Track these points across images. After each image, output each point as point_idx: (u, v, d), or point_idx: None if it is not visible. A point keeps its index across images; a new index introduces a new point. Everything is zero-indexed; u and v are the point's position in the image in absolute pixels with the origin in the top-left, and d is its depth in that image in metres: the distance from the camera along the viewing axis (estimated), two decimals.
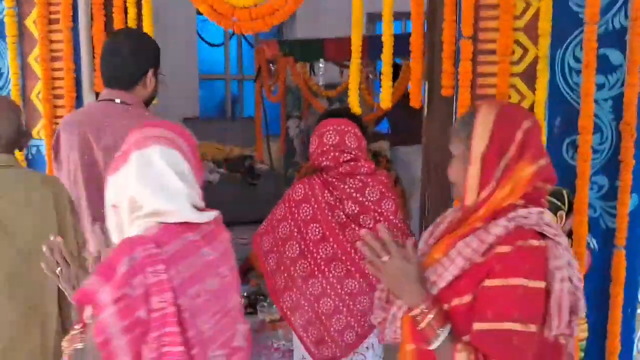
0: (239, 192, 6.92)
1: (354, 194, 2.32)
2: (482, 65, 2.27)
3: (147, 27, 2.63)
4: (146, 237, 1.35)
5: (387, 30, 2.40)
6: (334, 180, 2.35)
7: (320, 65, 4.69)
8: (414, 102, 2.39)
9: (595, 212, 2.26)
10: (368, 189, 2.34)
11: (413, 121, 5.48)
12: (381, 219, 2.33)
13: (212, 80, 8.24)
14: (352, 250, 2.32)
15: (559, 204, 2.27)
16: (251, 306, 4.56)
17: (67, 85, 2.68)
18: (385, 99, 2.42)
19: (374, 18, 7.95)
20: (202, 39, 7.70)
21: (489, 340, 1.34)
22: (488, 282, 1.35)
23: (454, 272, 1.39)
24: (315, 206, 2.33)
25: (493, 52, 2.25)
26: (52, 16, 2.70)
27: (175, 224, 1.41)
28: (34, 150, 2.82)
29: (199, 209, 1.48)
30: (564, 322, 1.35)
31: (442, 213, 1.64)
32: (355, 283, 2.33)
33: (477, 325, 1.35)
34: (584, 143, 2.16)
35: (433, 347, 1.38)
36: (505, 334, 1.33)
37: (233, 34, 7.86)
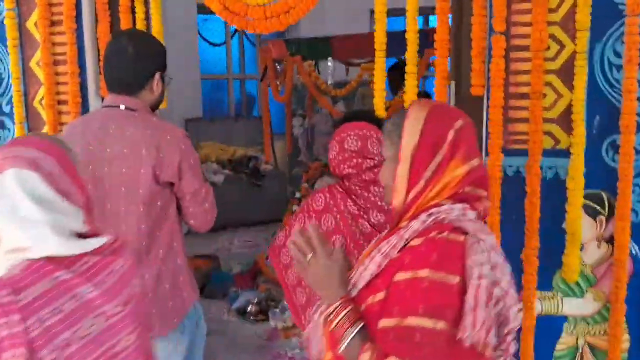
0: (244, 193, 6.80)
1: (379, 202, 2.19)
2: (514, 62, 2.14)
3: (155, 27, 2.49)
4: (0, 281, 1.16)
5: (411, 26, 2.26)
6: (357, 188, 2.21)
7: (329, 64, 4.56)
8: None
9: (637, 217, 2.12)
10: None
11: None
12: None
13: (214, 80, 8.11)
14: None
15: (598, 208, 2.14)
16: (262, 312, 4.44)
17: (71, 90, 2.54)
18: (410, 100, 2.28)
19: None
20: (204, 38, 7.56)
21: (390, 337, 1.22)
22: (397, 277, 1.25)
23: (371, 270, 1.32)
24: (338, 216, 2.20)
25: (526, 48, 2.11)
26: (55, 18, 2.56)
27: (42, 259, 1.20)
28: None
29: (85, 236, 1.27)
30: (480, 323, 1.19)
31: None
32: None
33: (382, 322, 1.24)
34: (626, 143, 2.02)
35: (341, 349, 1.29)
36: (408, 330, 1.20)
37: (234, 33, 7.73)
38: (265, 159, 7.23)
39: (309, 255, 1.41)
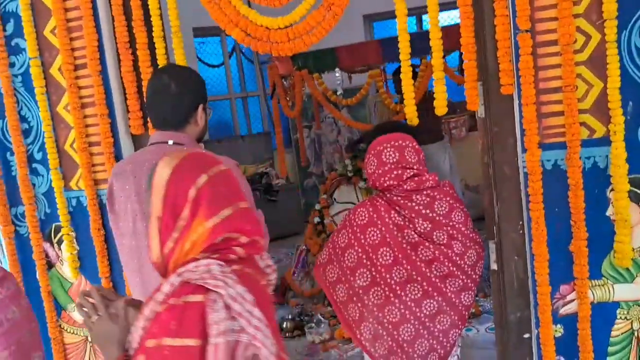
0: (260, 209, 6.81)
1: (424, 211, 2.21)
2: (541, 57, 2.16)
3: (179, 61, 2.51)
4: None
5: (434, 29, 2.28)
6: (399, 199, 2.23)
7: (337, 74, 4.59)
8: (472, 106, 2.28)
9: None
10: (437, 202, 2.23)
11: (431, 120, 5.41)
12: (454, 232, 2.23)
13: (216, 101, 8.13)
14: (427, 270, 2.21)
15: (639, 192, 2.16)
16: (298, 328, 4.46)
17: (102, 131, 2.56)
18: (441, 105, 2.30)
19: (370, 19, 7.86)
20: (202, 61, 7.60)
21: None
22: (147, 343, 1.27)
23: (138, 333, 1.31)
24: (383, 229, 2.22)
25: (553, 42, 2.13)
26: (78, 62, 2.59)
27: None
28: (74, 202, 2.70)
29: None
30: None
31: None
32: (434, 303, 2.22)
33: None
34: None
35: None
36: None
37: (232, 53, 7.77)
38: (275, 174, 7.26)
39: (94, 317, 1.45)
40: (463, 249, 2.23)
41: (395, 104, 4.60)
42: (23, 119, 2.70)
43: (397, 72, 4.98)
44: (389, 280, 2.21)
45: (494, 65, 2.24)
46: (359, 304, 2.27)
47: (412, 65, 5.11)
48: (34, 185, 2.74)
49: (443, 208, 2.23)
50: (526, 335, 2.38)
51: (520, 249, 2.33)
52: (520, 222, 2.31)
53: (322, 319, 4.41)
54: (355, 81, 5.61)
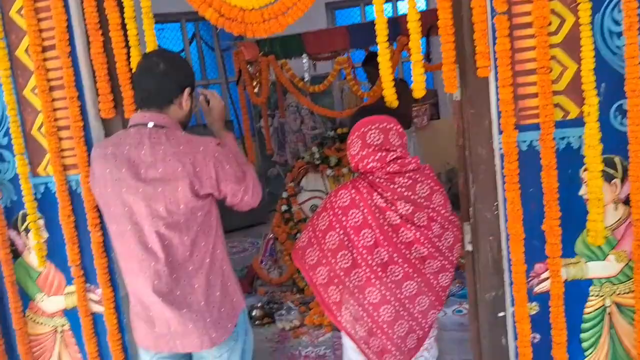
0: None
1: (406, 193, 2.22)
2: (518, 40, 2.19)
3: (150, 44, 2.46)
4: None
5: (412, 11, 2.28)
6: (381, 181, 2.23)
7: (304, 60, 4.56)
8: (450, 88, 2.29)
9: None
10: (418, 185, 2.24)
11: (400, 107, 5.44)
12: (434, 214, 2.24)
13: None
14: (407, 252, 2.23)
15: (612, 172, 2.22)
16: (267, 316, 4.44)
17: (72, 114, 2.48)
18: (419, 88, 2.31)
19: (333, 7, 7.85)
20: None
21: None
22: None
23: None
24: (365, 211, 2.22)
25: (528, 25, 2.17)
26: (45, 43, 2.50)
27: None
28: (42, 188, 2.62)
29: None
30: None
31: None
32: (414, 284, 2.24)
33: None
34: (634, 107, 2.09)
35: None
36: None
37: (192, 39, 7.64)
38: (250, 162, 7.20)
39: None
40: (441, 231, 2.25)
41: (363, 91, 4.61)
42: None
43: (369, 60, 4.98)
44: (370, 261, 2.22)
45: (471, 48, 2.26)
46: (340, 286, 2.26)
47: (376, 54, 5.14)
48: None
49: (424, 191, 2.24)
50: (501, 314, 2.42)
51: (495, 229, 2.37)
52: (495, 203, 2.35)
53: (292, 306, 4.41)
54: (320, 69, 5.60)
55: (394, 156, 2.24)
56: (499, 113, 2.23)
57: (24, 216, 2.65)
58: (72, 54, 2.48)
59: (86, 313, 2.64)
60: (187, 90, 2.11)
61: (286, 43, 4.56)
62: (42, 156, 2.60)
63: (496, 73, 2.21)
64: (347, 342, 2.36)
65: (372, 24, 4.63)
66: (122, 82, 2.49)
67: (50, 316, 2.73)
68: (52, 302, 2.71)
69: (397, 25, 4.45)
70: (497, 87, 2.21)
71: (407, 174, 2.24)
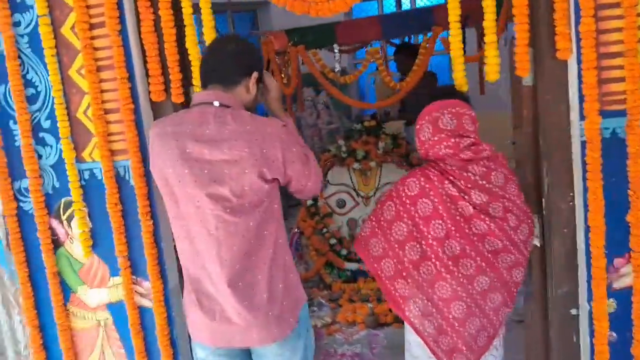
0: None
1: (480, 181, 2.09)
2: (602, 21, 2.07)
3: (206, 24, 2.32)
4: None
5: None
6: (453, 168, 2.11)
7: (335, 51, 4.44)
8: (522, 72, 2.17)
9: None
10: (493, 173, 2.11)
11: (427, 100, 5.31)
12: (509, 204, 2.12)
13: None
14: (480, 244, 2.10)
15: None
16: None
17: (122, 96, 2.35)
18: (492, 72, 2.19)
19: None
20: None
21: None
22: None
23: None
24: (436, 200, 2.09)
25: (615, 5, 2.05)
26: (93, 20, 2.36)
27: None
28: (87, 174, 2.48)
29: None
30: None
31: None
32: (487, 279, 2.12)
33: None
34: None
35: None
36: None
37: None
38: None
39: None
40: (517, 222, 2.13)
41: (395, 82, 4.48)
42: (29, 83, 2.45)
43: (400, 50, 4.86)
44: (440, 254, 2.10)
45: (547, 29, 2.14)
46: (409, 280, 2.14)
47: (410, 44, 5.00)
48: (40, 156, 2.50)
49: (499, 179, 2.12)
50: (573, 311, 2.30)
51: (570, 221, 2.25)
52: (571, 194, 2.23)
53: (323, 302, 4.28)
54: (344, 60, 5.47)
55: (468, 142, 2.11)
56: (580, 98, 2.11)
57: (67, 204, 2.52)
58: (122, 33, 2.34)
59: (133, 306, 2.51)
60: (255, 74, 2.00)
61: (317, 33, 4.43)
62: (88, 141, 2.46)
63: (578, 55, 2.09)
64: (411, 337, 2.24)
65: (405, 14, 4.52)
66: (171, 64, 2.36)
67: (93, 310, 2.59)
68: (95, 295, 2.58)
69: (431, 14, 4.33)
70: (579, 71, 2.09)
71: (481, 162, 2.12)
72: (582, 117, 2.12)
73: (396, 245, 2.15)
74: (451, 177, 2.11)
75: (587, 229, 2.18)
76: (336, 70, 4.58)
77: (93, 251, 2.53)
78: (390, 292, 2.19)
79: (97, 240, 2.52)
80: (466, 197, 2.09)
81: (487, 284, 2.12)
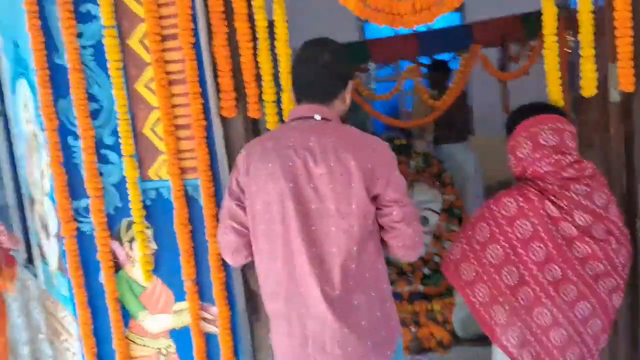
0: None
1: (583, 202, 1.99)
2: None
3: (280, 36, 2.22)
4: None
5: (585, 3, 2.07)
6: (555, 187, 2.00)
7: (370, 68, 4.37)
8: (626, 86, 2.09)
9: None
10: (595, 193, 2.01)
11: (460, 118, 5.26)
12: (611, 226, 2.01)
13: None
14: (581, 268, 2.00)
15: None
16: None
17: (194, 112, 2.24)
18: (589, 87, 2.11)
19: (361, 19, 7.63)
20: None
21: None
22: None
23: None
24: (535, 221, 1.98)
25: None
26: (164, 32, 2.25)
27: None
28: (152, 194, 2.35)
29: None
30: None
31: None
32: (588, 305, 2.00)
33: None
34: None
35: None
36: None
37: None
38: None
39: None
40: (618, 245, 2.03)
41: (433, 99, 4.43)
42: (91, 97, 2.33)
43: (435, 68, 4.80)
44: (540, 279, 1.99)
45: None
46: (506, 306, 2.03)
47: (444, 62, 4.92)
48: (101, 174, 2.38)
49: (602, 200, 2.02)
50: None
51: None
52: None
53: None
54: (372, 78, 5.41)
55: (570, 159, 2.02)
56: None
57: (129, 225, 2.39)
58: (195, 46, 2.24)
59: (199, 333, 2.37)
60: (350, 84, 1.90)
61: (351, 50, 4.35)
62: (154, 158, 2.34)
63: None
64: (500, 358, 2.12)
65: (442, 31, 4.43)
66: (247, 78, 2.25)
67: (154, 337, 2.45)
68: (157, 321, 2.44)
69: (470, 33, 4.28)
70: None
71: (583, 181, 2.02)
72: None
73: (491, 269, 2.04)
74: (552, 197, 2.00)
75: None
76: (370, 87, 4.53)
77: (156, 275, 2.40)
78: (485, 319, 2.07)
79: (161, 263, 2.40)
80: (569, 218, 1.99)
81: (588, 310, 2.01)
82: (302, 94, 1.87)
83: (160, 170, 2.33)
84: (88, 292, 2.43)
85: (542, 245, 1.99)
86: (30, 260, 3.30)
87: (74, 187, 2.40)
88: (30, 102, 2.54)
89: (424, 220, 4.72)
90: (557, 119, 2.05)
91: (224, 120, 2.31)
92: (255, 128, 2.40)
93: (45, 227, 2.71)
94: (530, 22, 4.21)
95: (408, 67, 4.45)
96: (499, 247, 2.03)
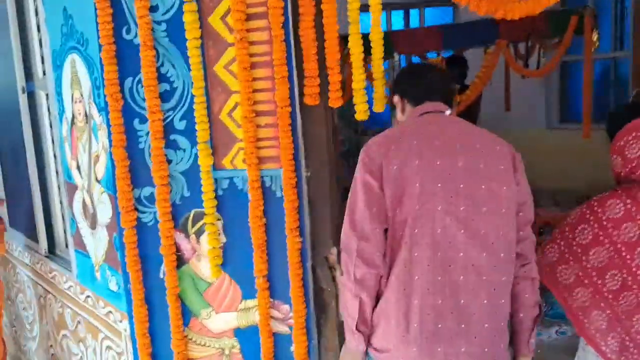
0: None
1: None
2: None
3: (375, 22, 2.10)
4: None
5: None
6: None
7: (395, 60, 4.27)
8: None
9: None
10: None
11: (473, 112, 5.22)
12: None
13: None
14: None
15: None
16: None
17: (280, 97, 2.08)
18: None
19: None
20: None
21: None
22: None
23: None
24: None
25: None
26: (249, 10, 2.09)
27: None
28: (225, 184, 2.20)
29: None
30: None
31: None
32: None
33: None
34: None
35: None
36: None
37: None
38: None
39: None
40: None
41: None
42: (163, 78, 2.15)
43: (453, 62, 4.73)
44: None
45: None
46: (608, 311, 1.98)
47: (459, 58, 4.86)
48: (170, 161, 2.20)
49: None
50: None
51: None
52: None
53: None
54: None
55: None
56: None
57: (197, 216, 2.22)
58: (283, 26, 2.08)
59: (268, 333, 2.23)
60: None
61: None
62: (229, 146, 2.17)
63: None
64: None
65: (467, 25, 4.37)
66: (331, 64, 2.12)
67: (217, 336, 2.29)
68: (222, 320, 2.28)
69: (496, 28, 4.23)
70: None
71: None
72: None
73: (594, 273, 1.98)
74: None
75: None
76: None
77: (223, 270, 2.24)
78: (583, 325, 2.02)
79: (229, 258, 2.24)
80: None
81: None
82: (427, 94, 1.89)
83: (236, 159, 2.17)
84: (148, 288, 2.26)
85: None
86: (51, 250, 3.08)
87: (135, 175, 2.21)
88: (85, 80, 2.34)
89: None
90: None
91: (302, 108, 2.17)
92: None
93: (91, 216, 2.50)
94: (555, 20, 4.20)
95: (429, 61, 4.38)
96: (603, 250, 1.97)
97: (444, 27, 4.26)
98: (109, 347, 2.54)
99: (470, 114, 5.19)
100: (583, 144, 6.64)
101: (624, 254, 1.96)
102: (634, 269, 1.95)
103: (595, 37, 4.14)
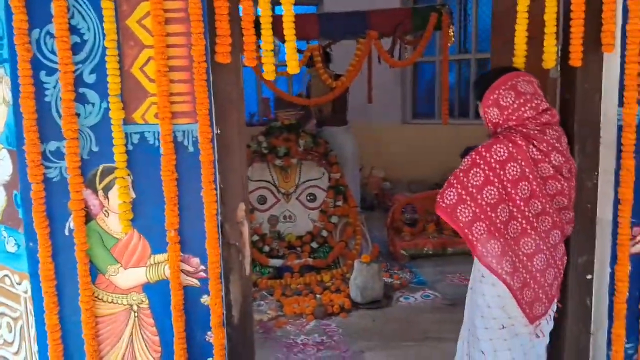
0: None
1: (556, 144, 2.32)
2: None
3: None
4: None
5: None
6: (535, 132, 2.31)
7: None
8: (575, 61, 2.46)
9: None
10: (562, 137, 2.36)
11: (339, 104, 5.49)
12: (571, 166, 2.38)
13: None
14: (551, 202, 2.34)
15: None
16: None
17: (197, 53, 2.16)
18: (550, 59, 2.45)
19: None
20: None
21: None
22: None
23: None
24: (523, 163, 2.27)
25: None
26: None
27: None
28: (135, 138, 2.22)
29: None
30: None
31: None
32: (559, 232, 2.39)
33: None
34: None
35: None
36: None
37: None
38: None
39: None
40: (574, 183, 2.40)
41: (332, 79, 4.62)
42: (73, 30, 2.13)
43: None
44: (526, 213, 2.28)
45: (594, 27, 2.44)
46: (501, 240, 2.27)
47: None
48: (77, 115, 2.18)
49: (565, 142, 2.37)
50: (589, 277, 2.63)
51: (593, 197, 2.58)
52: (595, 173, 2.56)
53: (266, 294, 4.21)
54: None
55: (546, 106, 2.34)
56: (622, 87, 2.44)
57: (105, 171, 2.22)
58: None
59: (179, 287, 2.28)
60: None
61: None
62: (141, 100, 2.20)
63: (622, 50, 2.43)
64: (492, 301, 2.37)
65: (341, 15, 4.66)
66: (246, 25, 2.23)
67: (125, 292, 2.30)
68: (130, 276, 2.29)
69: (366, 20, 4.55)
70: (623, 64, 2.43)
71: (555, 126, 2.36)
72: (620, 104, 2.46)
73: (488, 209, 2.27)
74: (534, 141, 2.29)
75: (616, 203, 2.51)
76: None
77: (132, 225, 2.26)
78: (481, 254, 2.29)
79: (139, 214, 2.26)
80: (547, 159, 2.29)
81: (558, 237, 2.38)
82: None
83: (147, 113, 2.21)
84: (55, 244, 2.21)
85: (527, 183, 2.28)
86: None
87: (43, 129, 2.16)
88: None
89: (312, 197, 4.91)
90: (524, 73, 2.39)
91: (214, 66, 2.26)
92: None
93: None
94: (418, 15, 4.61)
95: (308, 46, 4.57)
96: (493, 188, 2.27)
97: (320, 15, 4.49)
98: (2, 314, 2.42)
99: (342, 103, 5.52)
100: (433, 138, 7.30)
101: (509, 189, 2.27)
102: (517, 202, 2.27)
103: (451, 32, 4.60)
